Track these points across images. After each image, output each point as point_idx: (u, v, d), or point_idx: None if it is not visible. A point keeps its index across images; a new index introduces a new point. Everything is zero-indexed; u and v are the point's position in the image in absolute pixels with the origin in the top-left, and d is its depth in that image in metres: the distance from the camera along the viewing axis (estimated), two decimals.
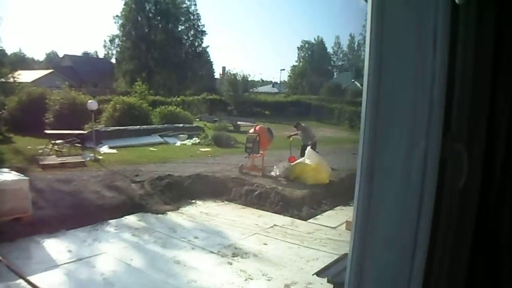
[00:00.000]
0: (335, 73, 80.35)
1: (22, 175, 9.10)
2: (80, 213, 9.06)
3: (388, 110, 1.40)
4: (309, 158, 12.96)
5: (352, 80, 56.35)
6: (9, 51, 58.10)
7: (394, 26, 1.36)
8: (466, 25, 1.48)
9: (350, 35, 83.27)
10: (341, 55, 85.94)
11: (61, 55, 69.92)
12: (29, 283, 5.96)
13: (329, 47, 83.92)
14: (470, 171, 1.52)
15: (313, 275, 6.81)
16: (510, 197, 1.57)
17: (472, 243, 1.66)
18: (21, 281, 6.08)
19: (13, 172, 9.16)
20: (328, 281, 6.46)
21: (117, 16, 54.06)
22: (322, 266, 7.14)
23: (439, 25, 1.32)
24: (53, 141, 15.66)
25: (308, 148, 13.69)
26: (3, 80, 34.78)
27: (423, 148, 1.36)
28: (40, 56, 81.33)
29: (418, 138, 1.36)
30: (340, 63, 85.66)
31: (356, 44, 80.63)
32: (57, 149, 15.49)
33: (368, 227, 1.50)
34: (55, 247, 7.69)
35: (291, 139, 15.47)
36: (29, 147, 16.77)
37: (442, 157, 1.41)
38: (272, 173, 13.06)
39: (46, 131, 17.20)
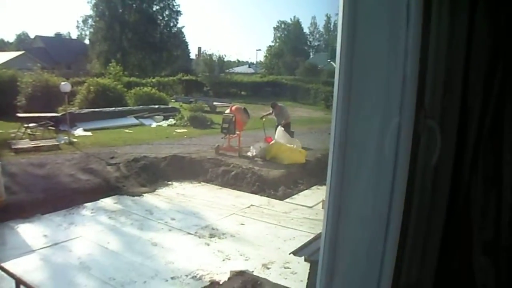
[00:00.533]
0: (311, 54, 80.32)
1: None
2: (55, 197, 8.93)
3: (361, 86, 1.40)
4: (280, 138, 13.02)
5: (328, 60, 56.39)
6: None
7: (366, 2, 1.35)
8: (439, 1, 1.47)
9: (326, 15, 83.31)
10: (317, 36, 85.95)
11: (32, 36, 68.49)
12: (3, 269, 5.87)
13: (306, 27, 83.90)
14: (443, 147, 1.53)
15: (290, 254, 6.88)
16: (482, 173, 1.59)
17: (446, 218, 1.68)
18: None
19: None
20: (305, 260, 6.54)
21: None
22: (299, 245, 7.23)
23: (412, 1, 1.31)
24: (25, 125, 15.35)
25: (279, 128, 13.74)
26: None
27: (396, 124, 1.36)
28: (10, 38, 79.45)
29: (392, 114, 1.36)
30: (316, 44, 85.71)
31: (332, 24, 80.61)
32: (30, 132, 15.20)
33: (341, 205, 1.50)
34: (30, 232, 7.58)
35: (263, 119, 15.43)
36: (0, 131, 16.44)
37: (415, 133, 1.41)
38: (249, 154, 13.06)
39: (18, 115, 16.85)
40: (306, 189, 11.11)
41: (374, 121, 1.39)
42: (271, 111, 15.32)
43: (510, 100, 1.52)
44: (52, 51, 54.30)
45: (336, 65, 1.45)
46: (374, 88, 1.38)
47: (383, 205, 1.41)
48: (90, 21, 54.69)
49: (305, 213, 9.18)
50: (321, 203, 9.40)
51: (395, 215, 1.41)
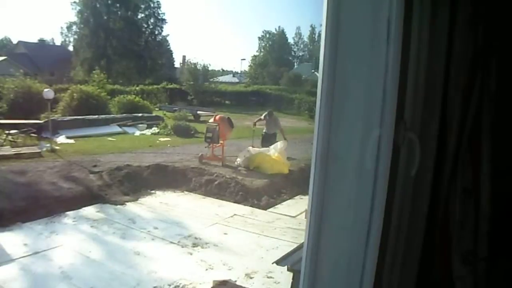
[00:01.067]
0: (295, 64, 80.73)
1: None
2: (36, 205, 8.83)
3: (342, 98, 1.43)
4: (275, 149, 13.02)
5: (312, 70, 56.69)
6: None
7: (350, 17, 1.39)
8: (420, 15, 1.52)
9: (311, 26, 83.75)
10: (301, 46, 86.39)
11: (15, 42, 67.79)
12: None
13: (290, 37, 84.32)
14: (423, 159, 1.57)
15: (273, 263, 6.88)
16: (461, 184, 1.62)
17: (425, 228, 1.71)
18: None
19: None
20: (288, 270, 6.51)
21: (74, 2, 52.68)
22: (282, 254, 7.23)
23: (393, 17, 1.35)
24: (7, 131, 15.21)
25: (279, 142, 13.71)
26: None
27: (376, 136, 1.39)
28: None
29: (372, 126, 1.39)
30: (300, 54, 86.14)
31: (316, 35, 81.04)
32: (11, 139, 15.05)
33: (323, 215, 1.52)
34: (10, 240, 7.47)
35: (255, 126, 15.40)
36: None
37: (395, 145, 1.45)
38: (236, 162, 13.06)
39: None
40: (289, 199, 11.14)
41: (355, 132, 1.42)
42: (262, 117, 15.16)
43: (488, 113, 1.56)
44: (35, 57, 53.80)
45: (319, 77, 1.48)
46: (355, 100, 1.42)
47: (364, 215, 1.44)
48: (74, 27, 54.40)
49: (288, 222, 9.20)
50: (304, 213, 9.43)
51: (375, 225, 1.45)
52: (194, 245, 7.71)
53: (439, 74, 1.60)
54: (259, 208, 10.24)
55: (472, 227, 1.62)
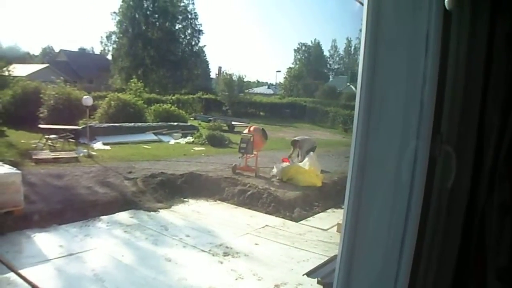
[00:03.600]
0: (331, 76, 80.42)
1: (14, 168, 9.07)
2: (72, 208, 9.04)
3: (380, 110, 1.44)
4: (309, 162, 12.96)
5: (348, 83, 56.30)
6: (4, 45, 57.87)
7: (388, 30, 1.40)
8: (458, 29, 1.51)
9: (347, 38, 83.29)
10: (337, 59, 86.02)
11: (57, 50, 69.76)
12: (20, 276, 5.95)
13: (326, 50, 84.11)
14: (459, 172, 1.55)
15: (303, 275, 6.84)
16: (498, 199, 1.60)
17: (460, 243, 1.69)
18: (11, 274, 6.07)
19: (6, 166, 9.14)
20: (318, 282, 6.49)
21: (114, 12, 53.78)
22: (313, 267, 7.19)
23: (431, 29, 1.36)
24: (46, 136, 15.62)
25: (311, 153, 13.65)
26: None
27: (413, 148, 1.39)
28: (36, 51, 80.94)
29: (409, 138, 1.40)
30: (336, 67, 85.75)
31: (352, 48, 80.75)
32: (50, 144, 15.45)
33: (357, 228, 1.53)
34: (46, 241, 7.68)
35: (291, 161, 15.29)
36: (22, 141, 16.70)
37: (432, 158, 1.44)
38: (271, 173, 13.06)
39: (40, 126, 17.17)
40: (321, 212, 11.08)
41: (392, 144, 1.43)
42: (292, 150, 15.15)
43: None
44: (75, 65, 55.23)
45: (357, 89, 1.49)
46: (392, 112, 1.42)
47: (399, 227, 1.44)
48: (113, 37, 55.41)
49: (319, 235, 9.15)
50: (336, 226, 9.37)
51: (409, 238, 1.44)
52: (225, 254, 7.74)
53: (477, 87, 1.59)
54: (291, 220, 10.22)
55: (508, 243, 1.59)
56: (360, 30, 1.50)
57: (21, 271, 6.12)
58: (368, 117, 1.45)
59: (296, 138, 15.77)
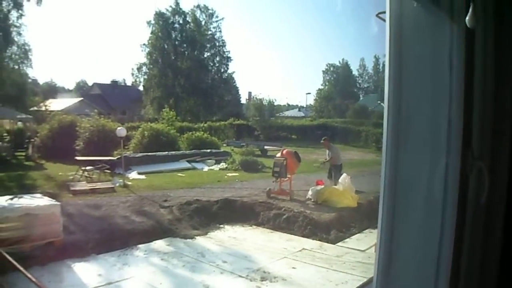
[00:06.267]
0: (361, 95, 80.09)
1: (53, 200, 9.27)
2: (110, 238, 9.15)
3: (408, 129, 1.44)
4: (342, 183, 12.88)
5: (378, 102, 55.83)
6: (41, 81, 59.81)
7: (412, 48, 1.41)
8: (483, 45, 1.51)
9: (375, 56, 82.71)
10: (366, 77, 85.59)
11: (90, 84, 71.67)
12: None
13: (354, 69, 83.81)
14: (494, 187, 1.54)
15: None
16: None
17: (500, 260, 1.66)
18: None
19: (45, 198, 9.35)
20: None
21: (144, 44, 55.12)
22: None
23: (454, 47, 1.37)
24: (83, 168, 15.93)
25: (344, 174, 13.54)
26: (35, 108, 35.85)
27: (443, 165, 1.39)
28: (70, 85, 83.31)
29: (439, 155, 1.40)
30: (366, 85, 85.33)
31: (381, 65, 79.94)
32: (87, 175, 15.74)
33: (392, 248, 1.52)
34: (86, 271, 7.78)
35: (321, 165, 15.41)
36: (60, 173, 17.10)
37: (463, 174, 1.43)
38: (308, 196, 13.00)
39: (77, 158, 17.55)
40: (358, 233, 10.92)
41: (422, 162, 1.43)
42: (328, 153, 15.10)
43: None
44: (108, 97, 56.61)
45: (384, 109, 1.51)
46: (420, 130, 1.43)
47: (433, 246, 1.43)
48: (144, 68, 56.52)
49: (357, 256, 9.01)
50: (373, 247, 9.22)
51: (445, 257, 1.43)
52: (263, 279, 7.69)
53: (507, 101, 1.58)
54: (327, 242, 10.10)
55: None
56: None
57: None
58: (396, 137, 1.46)
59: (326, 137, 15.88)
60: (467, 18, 1.38)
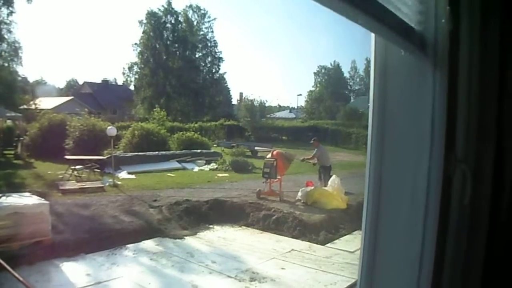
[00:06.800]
0: (352, 98, 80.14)
1: (42, 199, 9.25)
2: (99, 237, 9.14)
3: (392, 132, 1.46)
4: (332, 185, 12.93)
5: (369, 104, 56.00)
6: (31, 79, 59.37)
7: (396, 51, 1.43)
8: (469, 44, 1.53)
9: (366, 59, 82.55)
10: (357, 80, 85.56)
11: (81, 82, 71.23)
12: None
13: (346, 71, 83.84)
14: (478, 190, 1.56)
15: None
16: None
17: (484, 262, 1.67)
18: None
19: (34, 197, 9.33)
20: None
21: (135, 44, 54.94)
22: None
23: (439, 46, 1.38)
24: (72, 167, 15.87)
25: (334, 176, 13.58)
26: (25, 107, 35.58)
27: (426, 169, 1.41)
28: (61, 84, 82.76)
29: (422, 158, 1.42)
30: (357, 88, 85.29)
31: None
32: (76, 174, 15.69)
33: (376, 250, 1.54)
34: (74, 270, 7.77)
35: (304, 162, 15.53)
36: (49, 172, 17.02)
37: (446, 177, 1.45)
38: (297, 197, 13.03)
39: (66, 157, 17.46)
40: (347, 234, 10.97)
41: (406, 165, 1.45)
42: (315, 151, 15.08)
43: None
44: (98, 97, 56.35)
45: (369, 112, 1.53)
46: (404, 134, 1.45)
47: (416, 248, 1.45)
48: (135, 67, 56.31)
49: (346, 258, 9.06)
50: None
51: (427, 259, 1.44)
52: (252, 279, 7.71)
53: (492, 103, 1.60)
54: (317, 243, 10.14)
55: None
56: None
57: None
58: (381, 139, 1.48)
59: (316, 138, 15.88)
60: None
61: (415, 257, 1.45)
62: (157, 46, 53.83)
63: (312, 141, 15.77)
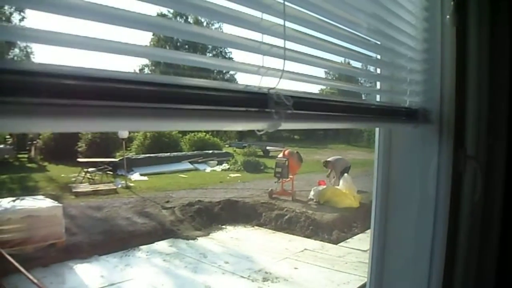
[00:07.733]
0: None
1: (56, 202, 9.30)
2: (112, 239, 9.16)
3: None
4: (344, 183, 12.87)
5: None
6: None
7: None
8: (478, 37, 1.50)
9: None
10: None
11: None
12: None
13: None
14: (489, 187, 1.53)
15: None
16: None
17: (498, 256, 1.64)
18: None
19: (48, 199, 9.37)
20: None
21: (146, 46, 55.08)
22: None
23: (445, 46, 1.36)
24: (85, 169, 15.91)
25: (346, 175, 13.52)
26: None
27: (435, 164, 1.38)
28: None
29: (431, 154, 1.39)
30: (368, 85, 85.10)
31: None
32: (89, 176, 15.73)
33: (385, 250, 1.52)
34: (88, 272, 7.80)
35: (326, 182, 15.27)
36: (62, 175, 17.11)
37: (456, 173, 1.43)
38: (309, 196, 12.98)
39: (79, 160, 17.53)
40: (360, 233, 10.89)
41: (415, 162, 1.42)
42: (329, 172, 14.95)
43: None
44: None
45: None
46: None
47: (426, 246, 1.42)
48: (146, 70, 56.49)
49: (359, 257, 9.00)
50: None
51: (438, 256, 1.42)
52: (264, 279, 7.69)
53: (503, 99, 1.57)
54: (329, 242, 10.09)
55: None
56: None
57: None
58: (389, 136, 1.45)
59: (328, 159, 15.55)
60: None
61: (425, 256, 1.43)
62: (167, 47, 53.88)
63: (323, 164, 15.48)
